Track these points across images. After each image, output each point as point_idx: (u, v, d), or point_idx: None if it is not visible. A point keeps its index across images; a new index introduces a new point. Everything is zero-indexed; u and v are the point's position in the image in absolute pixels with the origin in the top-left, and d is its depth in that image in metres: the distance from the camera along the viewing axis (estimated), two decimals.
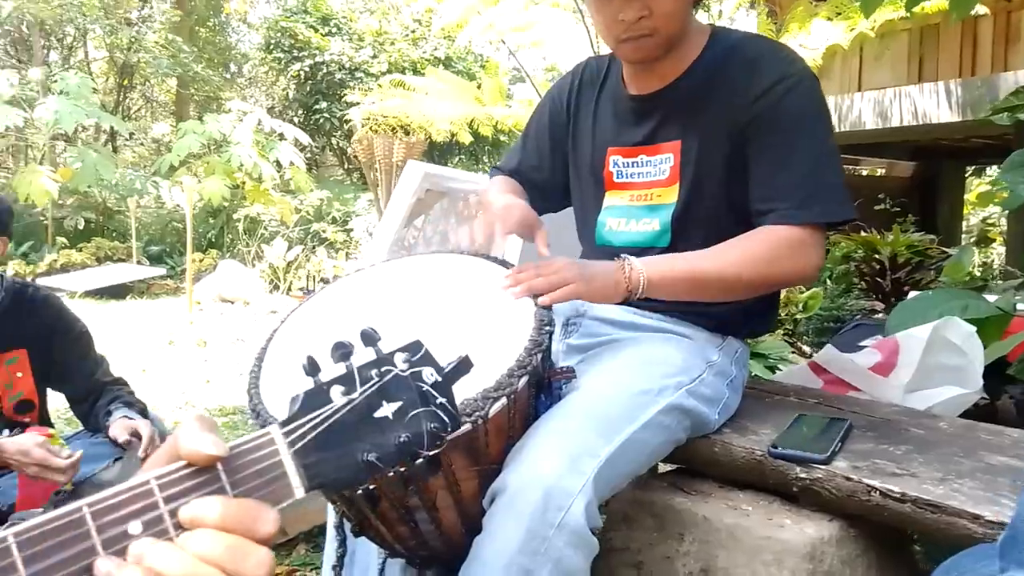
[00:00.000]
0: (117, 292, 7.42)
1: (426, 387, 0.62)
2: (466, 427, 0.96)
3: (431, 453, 0.62)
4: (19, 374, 2.12)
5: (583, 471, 1.04)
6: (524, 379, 1.02)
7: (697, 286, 1.27)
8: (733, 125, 1.31)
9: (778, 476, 1.24)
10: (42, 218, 8.42)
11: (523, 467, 1.03)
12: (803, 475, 1.21)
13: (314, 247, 8.12)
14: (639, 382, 1.19)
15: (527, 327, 1.09)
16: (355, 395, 0.58)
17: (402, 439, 0.59)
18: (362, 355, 0.62)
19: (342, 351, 0.60)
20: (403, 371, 0.62)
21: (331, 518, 1.30)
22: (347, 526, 1.16)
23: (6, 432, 2.08)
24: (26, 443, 1.79)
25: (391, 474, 0.66)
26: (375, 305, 1.22)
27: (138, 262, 8.32)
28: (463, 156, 11.50)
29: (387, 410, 0.60)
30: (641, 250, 1.36)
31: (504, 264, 1.25)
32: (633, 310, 1.40)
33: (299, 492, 0.54)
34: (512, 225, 1.32)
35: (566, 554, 1.01)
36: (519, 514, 1.00)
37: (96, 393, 2.19)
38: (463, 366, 0.67)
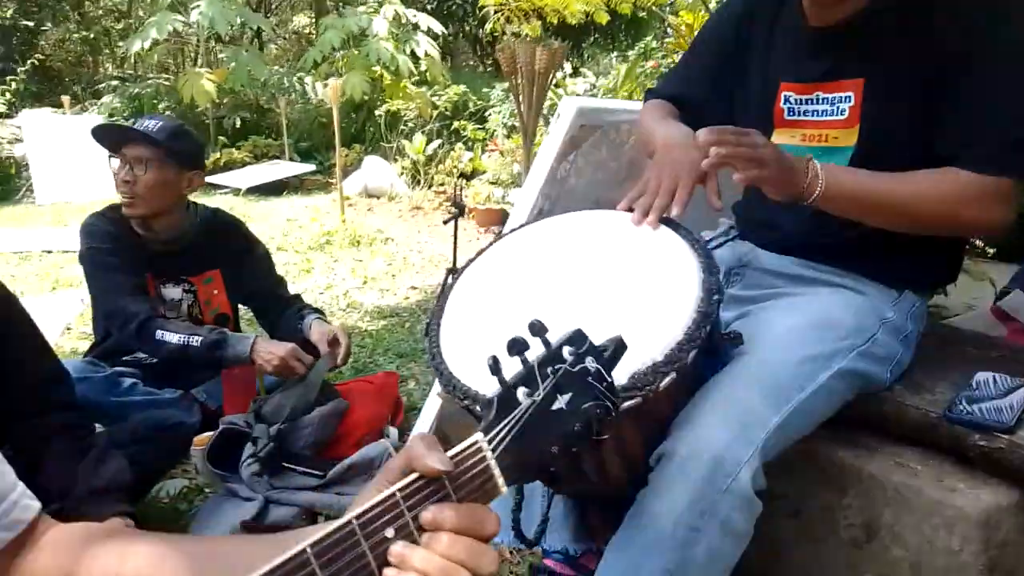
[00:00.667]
0: (275, 189, 7.93)
1: (591, 377, 0.70)
2: (636, 400, 1.00)
3: (600, 437, 0.70)
4: (215, 292, 2.38)
5: (752, 440, 1.06)
6: (693, 352, 1.03)
7: (873, 210, 1.21)
8: (929, 60, 1.18)
9: (953, 440, 1.21)
10: (204, 118, 9.02)
11: (692, 435, 1.07)
12: (982, 442, 1.17)
13: (452, 142, 8.22)
14: (809, 347, 1.17)
15: (693, 295, 1.08)
16: (537, 396, 0.66)
17: (576, 428, 0.68)
18: (534, 346, 0.68)
19: (518, 347, 0.68)
20: (571, 366, 0.69)
21: None
22: None
23: None
24: (278, 351, 2.06)
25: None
26: (541, 269, 1.24)
27: (290, 159, 8.81)
28: (599, 36, 10.99)
29: (561, 402, 0.68)
30: None
31: (667, 221, 1.23)
32: (802, 261, 1.35)
33: (503, 489, 0.64)
34: (694, 177, 1.22)
35: (732, 516, 1.06)
36: (687, 478, 1.05)
37: (279, 307, 2.44)
38: (619, 350, 0.74)
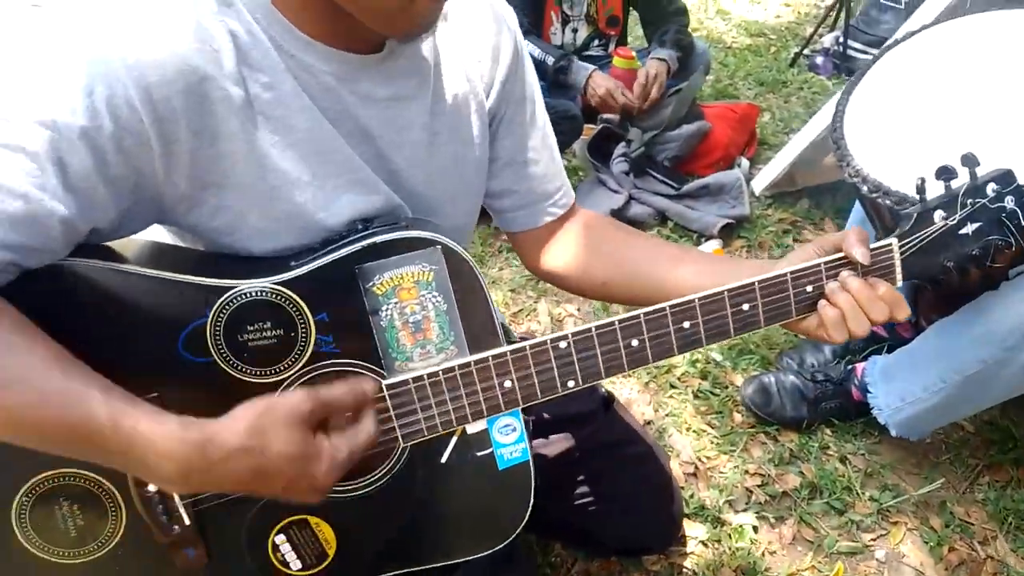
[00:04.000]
0: None
1: (1005, 215, 0.81)
2: None
3: (993, 265, 0.83)
4: None
5: None
6: None
7: None
8: None
9: None
10: None
11: None
12: None
13: None
14: None
15: None
16: (951, 220, 0.81)
17: (974, 252, 0.82)
18: (961, 175, 0.80)
19: (947, 175, 0.81)
20: (991, 202, 0.81)
21: (857, 214, 1.58)
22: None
23: (595, 42, 2.64)
24: (606, 84, 2.30)
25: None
26: (972, 71, 1.22)
27: None
28: None
29: (968, 229, 0.81)
30: None
31: None
32: None
33: (899, 283, 0.82)
34: None
35: None
36: None
37: (663, 21, 2.57)
38: None
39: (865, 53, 3.10)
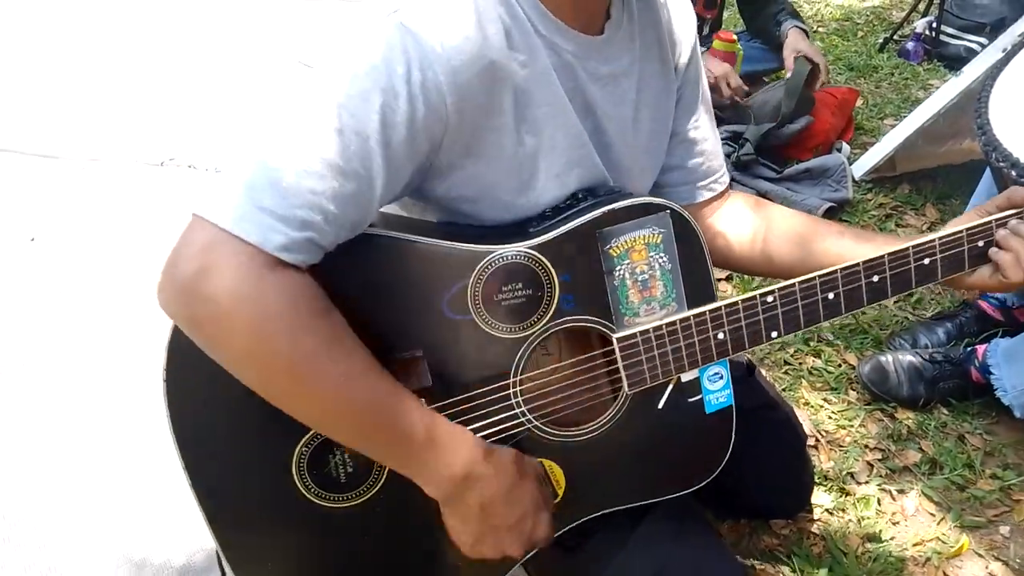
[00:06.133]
0: None
1: None
2: None
3: None
4: None
5: None
6: None
7: None
8: None
9: None
10: None
11: None
12: None
13: None
14: None
15: None
16: None
17: None
18: None
19: None
20: None
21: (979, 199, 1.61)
22: None
23: None
24: (716, 70, 2.34)
25: None
26: None
27: None
28: None
29: None
30: None
31: None
32: None
33: None
34: None
35: None
36: None
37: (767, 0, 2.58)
38: None
39: (959, 39, 3.07)
